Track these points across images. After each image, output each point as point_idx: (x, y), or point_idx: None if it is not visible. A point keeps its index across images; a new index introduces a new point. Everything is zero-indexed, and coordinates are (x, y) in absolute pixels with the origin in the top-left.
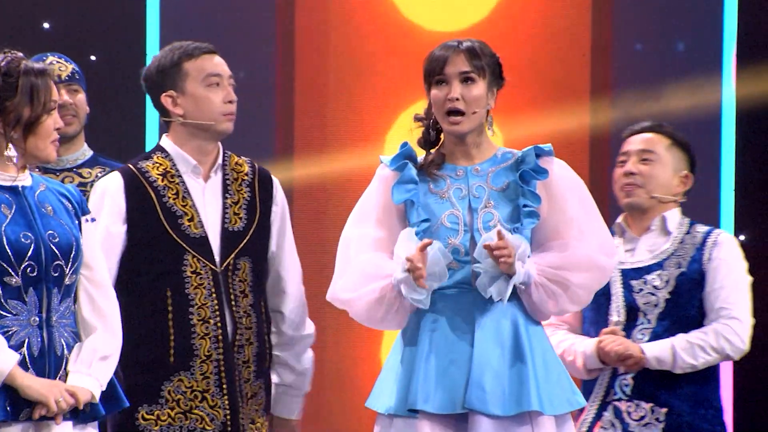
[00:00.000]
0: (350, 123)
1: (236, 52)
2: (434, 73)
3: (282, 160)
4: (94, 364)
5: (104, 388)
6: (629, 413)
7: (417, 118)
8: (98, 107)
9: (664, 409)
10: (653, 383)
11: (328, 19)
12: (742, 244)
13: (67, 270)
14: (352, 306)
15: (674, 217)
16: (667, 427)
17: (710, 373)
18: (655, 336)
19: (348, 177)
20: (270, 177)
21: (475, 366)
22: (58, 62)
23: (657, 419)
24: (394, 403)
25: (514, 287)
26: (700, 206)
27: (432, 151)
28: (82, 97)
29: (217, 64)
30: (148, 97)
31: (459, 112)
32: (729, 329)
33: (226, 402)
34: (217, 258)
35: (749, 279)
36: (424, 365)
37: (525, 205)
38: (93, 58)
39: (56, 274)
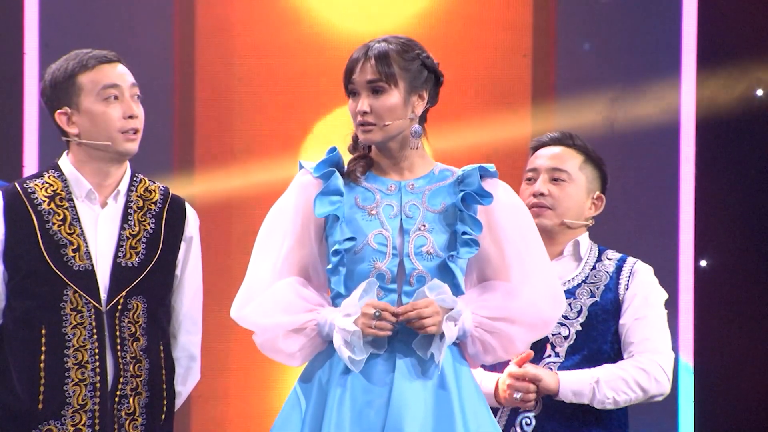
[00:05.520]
0: (259, 132)
1: (128, 53)
2: (346, 83)
3: (181, 174)
4: None
5: None
6: None
7: None
8: None
9: None
10: (557, 423)
11: (232, 15)
12: (703, 271)
13: None
14: (263, 334)
15: (585, 241)
16: None
17: (622, 418)
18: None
19: (256, 193)
20: (183, 208)
21: (393, 409)
22: None
23: None
24: None
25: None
26: (656, 227)
27: (359, 157)
28: None
29: (117, 74)
30: (26, 105)
31: (369, 124)
32: (657, 367)
33: None
34: (103, 295)
35: (666, 312)
36: (337, 407)
37: (464, 233)
38: None
39: None
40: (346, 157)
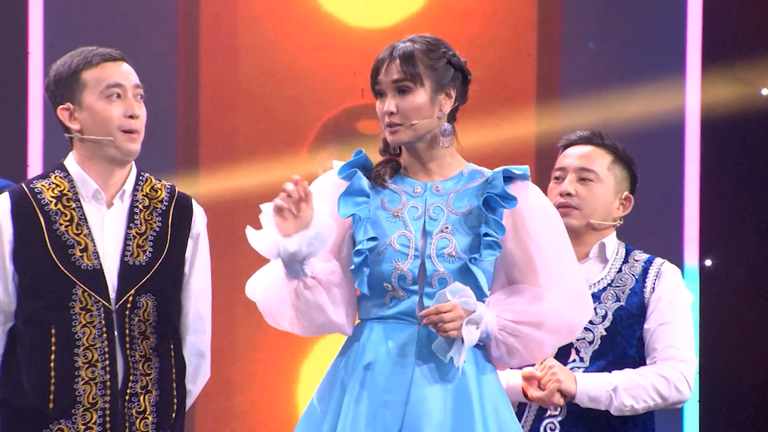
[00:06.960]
0: (264, 131)
1: (132, 52)
2: (373, 84)
3: (185, 173)
4: None
5: None
6: None
7: None
8: None
9: None
10: (582, 429)
11: (238, 13)
12: (708, 271)
13: None
14: (254, 290)
15: (611, 243)
16: None
17: (648, 422)
18: None
19: (261, 193)
20: (190, 206)
21: (410, 410)
22: None
23: None
24: None
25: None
26: (660, 227)
27: (386, 161)
28: None
29: (121, 73)
30: (30, 105)
31: (396, 125)
32: (679, 375)
33: None
34: (112, 294)
35: (692, 314)
36: (354, 406)
37: (486, 234)
38: None
39: None
40: (376, 159)
